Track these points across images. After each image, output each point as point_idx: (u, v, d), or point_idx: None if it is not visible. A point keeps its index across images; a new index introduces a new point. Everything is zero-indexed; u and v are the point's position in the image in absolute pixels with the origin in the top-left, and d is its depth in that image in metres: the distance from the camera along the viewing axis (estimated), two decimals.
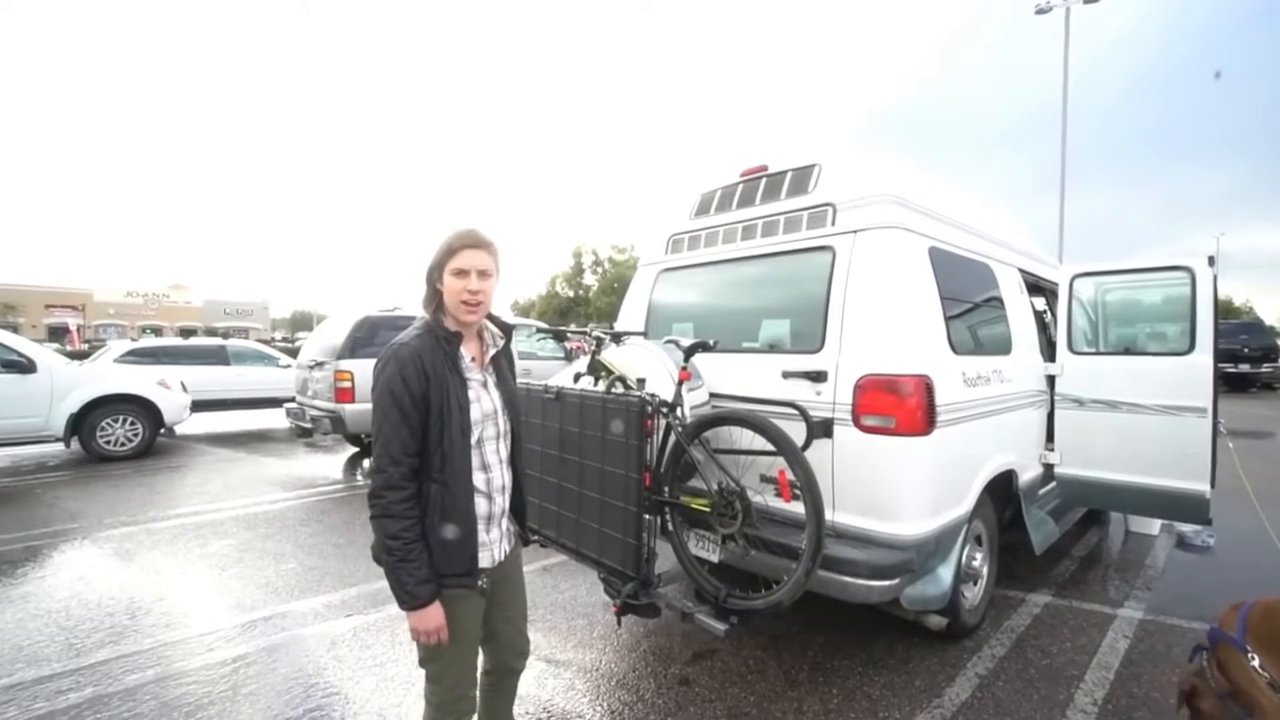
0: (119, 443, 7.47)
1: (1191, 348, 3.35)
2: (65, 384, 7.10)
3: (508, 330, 1.76)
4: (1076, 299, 3.82)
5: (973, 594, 3.08)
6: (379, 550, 1.58)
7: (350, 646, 2.98)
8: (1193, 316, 3.36)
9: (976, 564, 3.07)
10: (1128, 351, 3.90)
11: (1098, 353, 3.89)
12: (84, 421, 7.20)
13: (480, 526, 1.64)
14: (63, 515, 5.13)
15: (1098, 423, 3.57)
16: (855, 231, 2.72)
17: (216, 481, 6.46)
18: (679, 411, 2.60)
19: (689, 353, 2.69)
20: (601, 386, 2.84)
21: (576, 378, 3.06)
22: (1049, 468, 3.78)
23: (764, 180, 3.22)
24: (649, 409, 2.36)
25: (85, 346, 25.15)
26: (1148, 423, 3.41)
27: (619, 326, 3.77)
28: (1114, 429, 3.51)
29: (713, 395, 3.00)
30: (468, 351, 1.65)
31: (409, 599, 1.50)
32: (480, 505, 1.64)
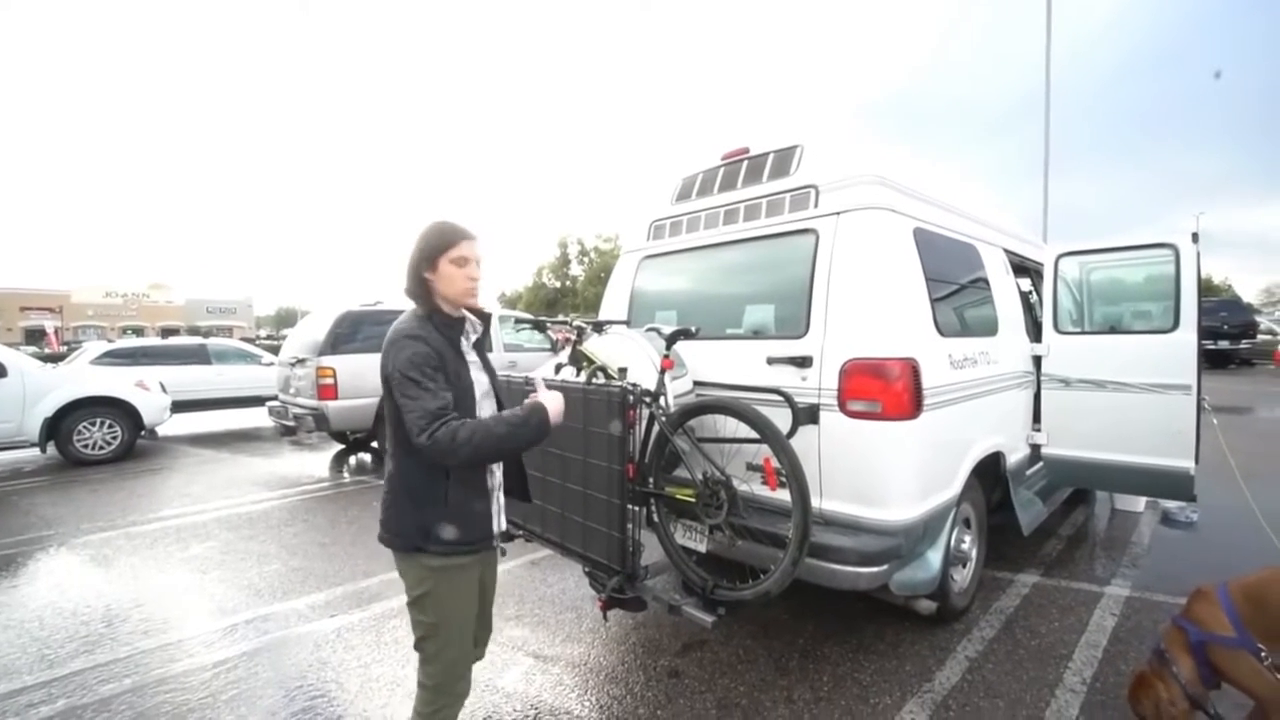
0: (97, 446, 7.31)
1: (1176, 325, 3.34)
2: (38, 388, 6.93)
3: (485, 318, 1.83)
4: (1062, 279, 3.80)
5: (962, 576, 3.08)
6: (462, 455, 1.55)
7: (334, 648, 2.92)
8: (1177, 294, 3.35)
9: (965, 547, 3.06)
10: (1113, 330, 3.90)
11: (1083, 332, 3.88)
12: (60, 426, 7.03)
13: None
14: (39, 522, 5.01)
15: (1084, 403, 3.56)
16: (838, 213, 2.67)
17: (199, 483, 6.34)
18: (662, 401, 2.55)
19: (670, 340, 2.63)
20: (583, 377, 2.78)
21: (558, 369, 3.00)
22: (1036, 448, 3.77)
23: (746, 163, 3.16)
24: (630, 399, 2.30)
25: (64, 349, 24.65)
26: (1133, 401, 3.40)
27: (602, 315, 3.71)
28: (1100, 408, 3.51)
29: (697, 383, 2.95)
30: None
31: (539, 429, 1.62)
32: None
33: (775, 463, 2.26)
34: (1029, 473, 3.80)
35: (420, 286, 1.66)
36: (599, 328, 3.11)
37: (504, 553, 1.85)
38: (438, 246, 1.63)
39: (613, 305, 3.73)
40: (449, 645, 1.67)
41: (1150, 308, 3.82)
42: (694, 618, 2.27)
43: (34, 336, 41.64)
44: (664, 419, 2.48)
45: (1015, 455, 3.52)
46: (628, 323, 3.48)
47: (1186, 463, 3.29)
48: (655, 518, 2.61)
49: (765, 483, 2.44)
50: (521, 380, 2.79)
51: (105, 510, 5.33)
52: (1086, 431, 3.57)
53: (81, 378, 7.62)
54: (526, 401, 1.65)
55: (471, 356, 1.76)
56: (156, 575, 3.88)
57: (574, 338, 3.00)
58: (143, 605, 3.44)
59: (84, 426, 7.23)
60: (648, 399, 2.47)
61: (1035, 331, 3.97)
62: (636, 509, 2.41)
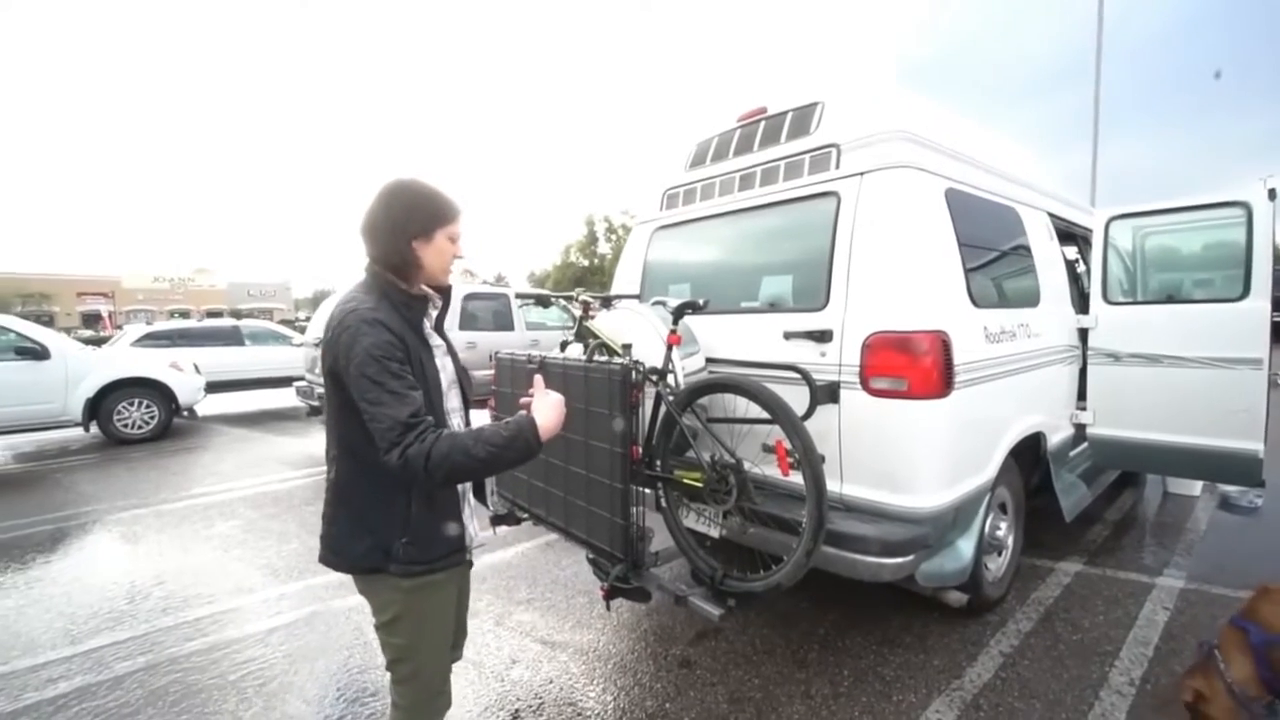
0: (136, 425, 7.55)
1: (1246, 293, 3.01)
2: (80, 369, 7.14)
3: (445, 293, 1.58)
4: (1112, 244, 3.47)
5: (996, 565, 2.87)
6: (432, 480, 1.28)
7: (344, 630, 2.90)
8: (1248, 257, 3.01)
9: (1000, 534, 2.85)
10: (1170, 300, 3.56)
11: (1136, 302, 3.56)
12: (101, 406, 7.27)
13: None
14: (78, 499, 5.17)
15: (1136, 379, 3.27)
16: (862, 174, 2.44)
17: (229, 461, 6.49)
18: (670, 378, 2.40)
19: (677, 314, 2.46)
20: (587, 354, 2.64)
21: (563, 345, 2.87)
22: (1080, 428, 3.50)
23: (763, 124, 2.94)
24: (634, 377, 2.16)
25: (117, 331, 25.68)
26: (1193, 377, 3.10)
27: (614, 290, 3.56)
28: (1154, 385, 3.21)
29: (710, 360, 2.79)
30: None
31: (527, 449, 1.31)
32: None
33: (788, 445, 2.09)
34: (1072, 454, 3.53)
35: (408, 256, 1.40)
36: (607, 302, 2.97)
37: (471, 562, 1.63)
38: (438, 216, 1.42)
39: (625, 279, 3.57)
40: (425, 666, 1.48)
41: (1213, 274, 3.47)
42: (701, 610, 2.14)
43: (90, 320, 43.66)
44: (671, 398, 2.33)
45: (1057, 436, 3.26)
46: (639, 297, 3.32)
47: (1255, 444, 2.99)
48: (663, 502, 2.47)
49: (779, 466, 2.28)
50: (524, 358, 2.67)
51: (139, 488, 5.48)
52: (1138, 410, 3.28)
53: (120, 359, 7.85)
54: (517, 415, 1.36)
55: (435, 340, 1.53)
56: (181, 553, 3.94)
57: (580, 313, 2.86)
58: (164, 583, 3.49)
59: (123, 406, 7.46)
60: (653, 377, 2.32)
61: (1081, 302, 3.66)
62: (645, 492, 2.29)
